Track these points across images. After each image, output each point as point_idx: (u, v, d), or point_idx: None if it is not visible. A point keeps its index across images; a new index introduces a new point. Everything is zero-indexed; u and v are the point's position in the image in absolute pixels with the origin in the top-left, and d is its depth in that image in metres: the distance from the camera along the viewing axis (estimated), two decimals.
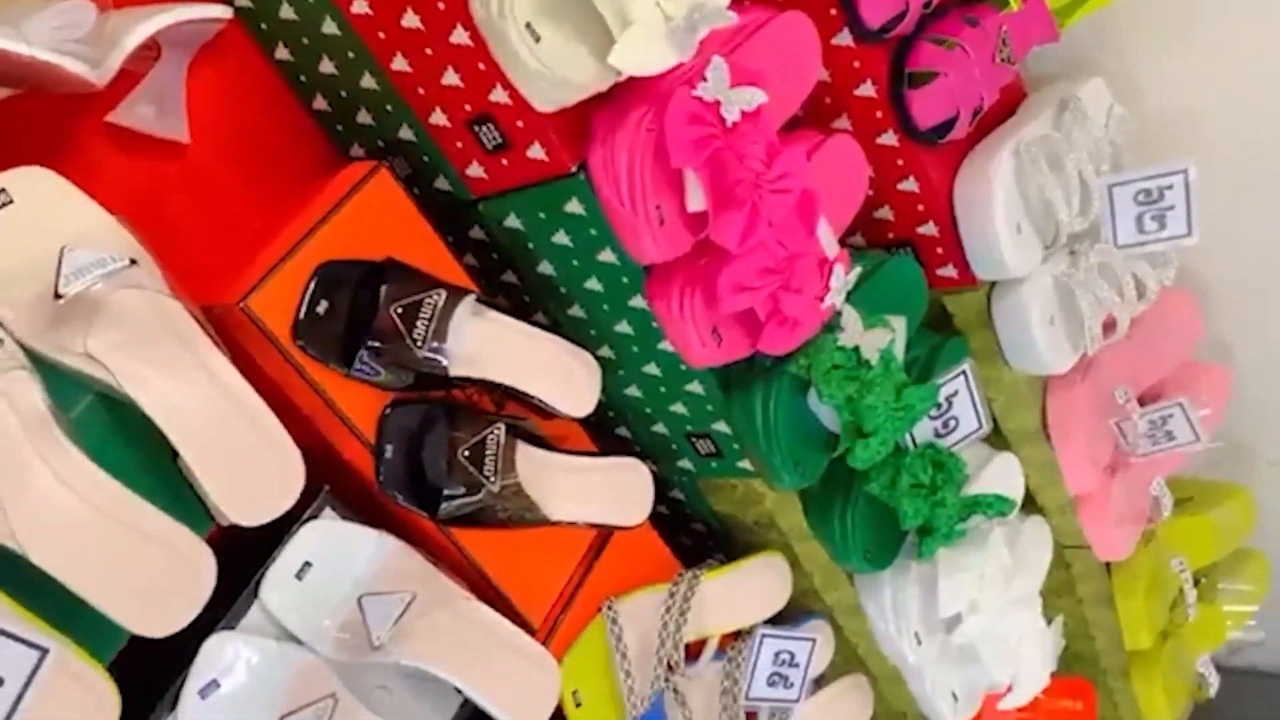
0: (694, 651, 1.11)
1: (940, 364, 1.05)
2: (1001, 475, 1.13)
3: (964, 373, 1.05)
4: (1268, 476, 1.46)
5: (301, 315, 0.82)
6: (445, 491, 0.89)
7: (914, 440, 1.03)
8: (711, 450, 1.08)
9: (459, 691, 0.93)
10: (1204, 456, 1.31)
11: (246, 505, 0.74)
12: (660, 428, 1.10)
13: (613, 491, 1.02)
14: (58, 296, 0.66)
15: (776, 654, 1.12)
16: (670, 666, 1.07)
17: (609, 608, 1.05)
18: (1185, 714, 1.48)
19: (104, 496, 0.69)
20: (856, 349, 0.93)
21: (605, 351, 1.02)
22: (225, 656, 0.78)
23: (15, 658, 0.63)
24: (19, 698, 0.63)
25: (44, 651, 0.64)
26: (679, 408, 1.06)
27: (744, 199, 0.80)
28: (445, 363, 0.86)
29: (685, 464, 1.13)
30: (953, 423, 1.05)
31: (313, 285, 0.83)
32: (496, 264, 1.04)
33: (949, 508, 1.01)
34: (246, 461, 0.74)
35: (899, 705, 1.26)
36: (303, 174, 0.97)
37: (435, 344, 0.85)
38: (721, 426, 1.04)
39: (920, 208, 1.05)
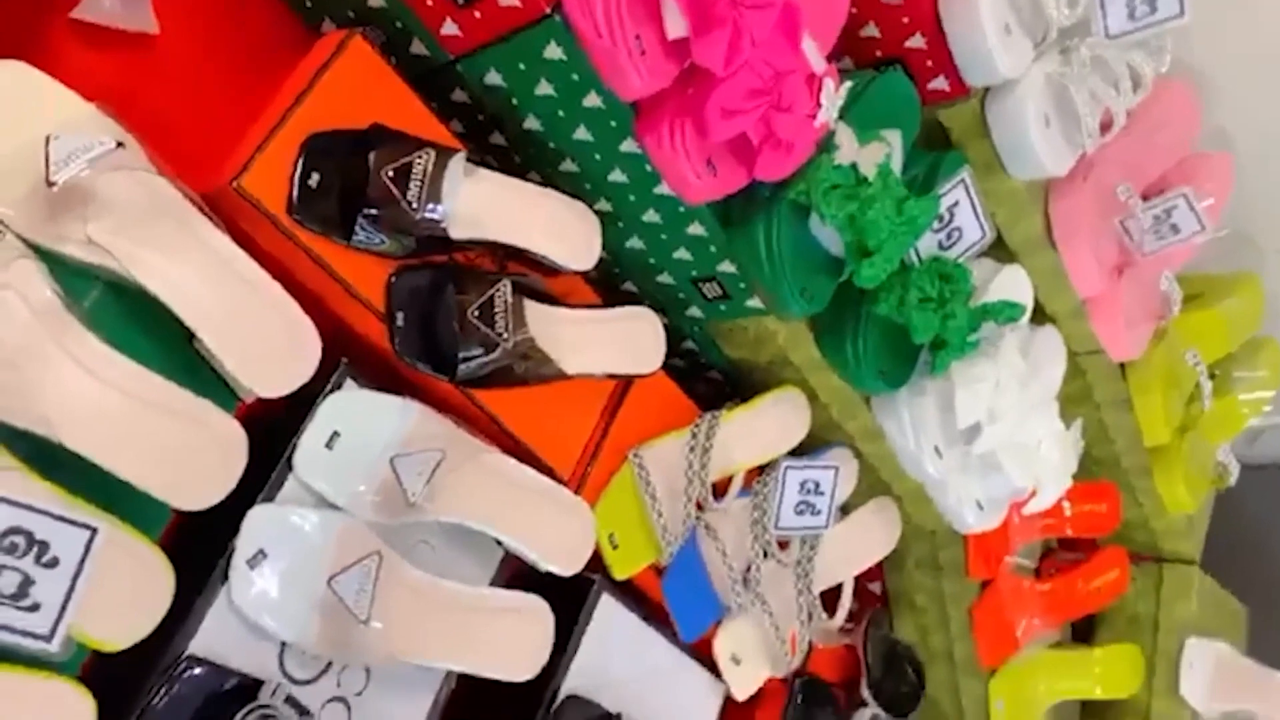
0: (721, 490, 1.14)
1: (939, 178, 1.04)
2: (1009, 286, 1.13)
3: (963, 181, 1.04)
4: (1277, 264, 1.45)
5: (294, 190, 0.82)
6: (461, 354, 0.90)
7: (919, 255, 1.03)
8: (719, 293, 1.09)
9: (499, 543, 0.97)
10: (1212, 250, 1.31)
11: (267, 376, 0.76)
12: (666, 277, 1.10)
13: (625, 341, 1.03)
14: (50, 185, 0.66)
15: (801, 484, 1.14)
16: (699, 505, 1.10)
17: (634, 455, 1.07)
18: (1208, 506, 1.52)
19: (129, 380, 0.70)
20: (854, 166, 0.92)
21: (602, 205, 1.02)
22: (268, 527, 0.80)
23: (67, 538, 0.65)
24: (76, 574, 0.65)
25: (93, 530, 0.66)
26: (682, 253, 1.06)
27: (724, 18, 0.78)
28: (444, 224, 0.86)
29: (694, 311, 1.14)
30: (956, 234, 1.05)
31: (302, 159, 0.82)
32: (483, 126, 1.03)
33: (959, 319, 1.01)
34: (260, 333, 0.75)
35: (926, 523, 1.29)
36: (276, 56, 0.95)
37: (431, 205, 0.85)
38: (727, 267, 1.05)
39: (906, 20, 1.03)
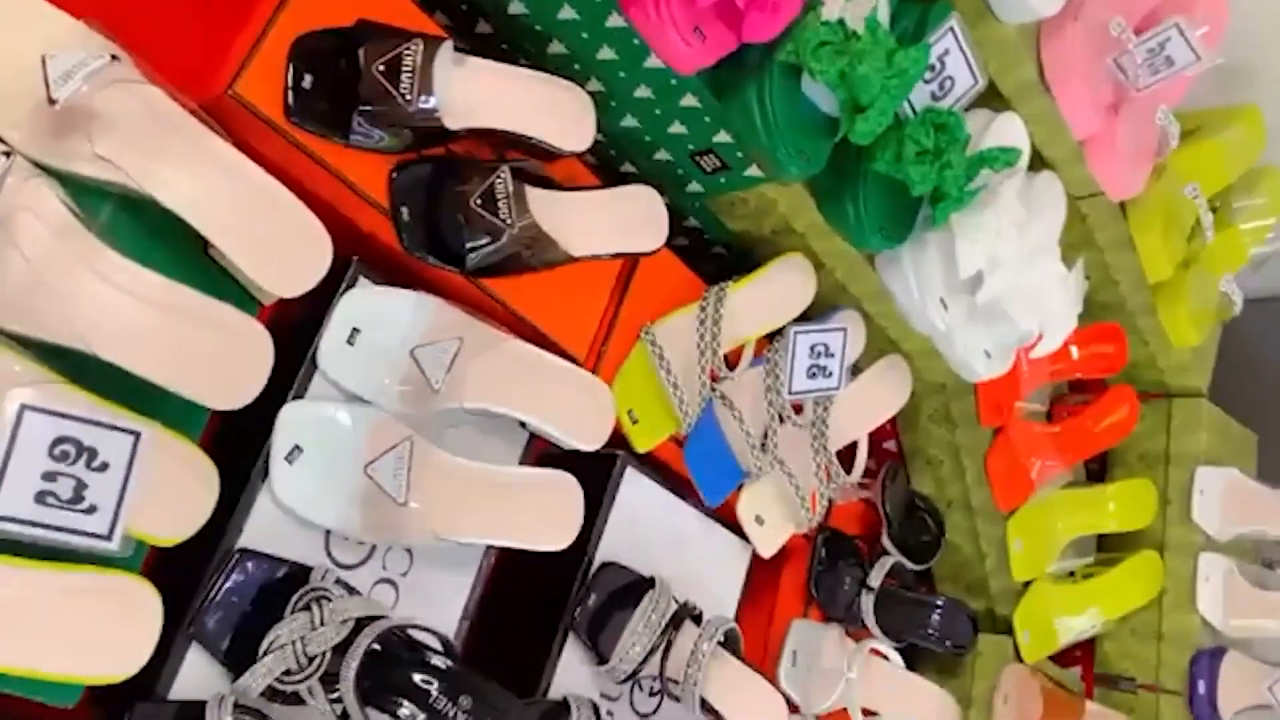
0: (733, 360, 1.17)
1: (928, 28, 1.04)
2: (1005, 134, 1.13)
3: (951, 29, 1.03)
4: (1274, 93, 1.44)
5: (289, 93, 0.83)
6: (467, 243, 0.92)
7: (913, 108, 1.03)
8: (717, 165, 1.09)
9: (523, 426, 1.00)
10: (1208, 83, 1.30)
11: (284, 277, 0.78)
12: (663, 154, 1.11)
13: (627, 219, 1.04)
14: (52, 103, 0.67)
15: (812, 348, 1.17)
16: (714, 376, 1.13)
17: (646, 332, 1.10)
18: (1214, 338, 1.54)
19: (153, 290, 0.72)
20: (841, 21, 0.92)
21: (594, 85, 1.02)
22: (301, 422, 0.84)
23: (113, 444, 0.68)
24: (126, 477, 0.68)
25: (137, 435, 0.69)
26: (677, 127, 1.06)
27: None
28: (438, 114, 0.86)
29: (695, 187, 1.15)
30: (948, 83, 1.05)
31: (293, 62, 0.83)
32: (468, 16, 1.03)
33: (956, 169, 1.02)
34: (272, 236, 0.77)
35: (936, 377, 1.32)
36: None
37: (424, 96, 0.85)
38: (723, 137, 1.05)
39: None
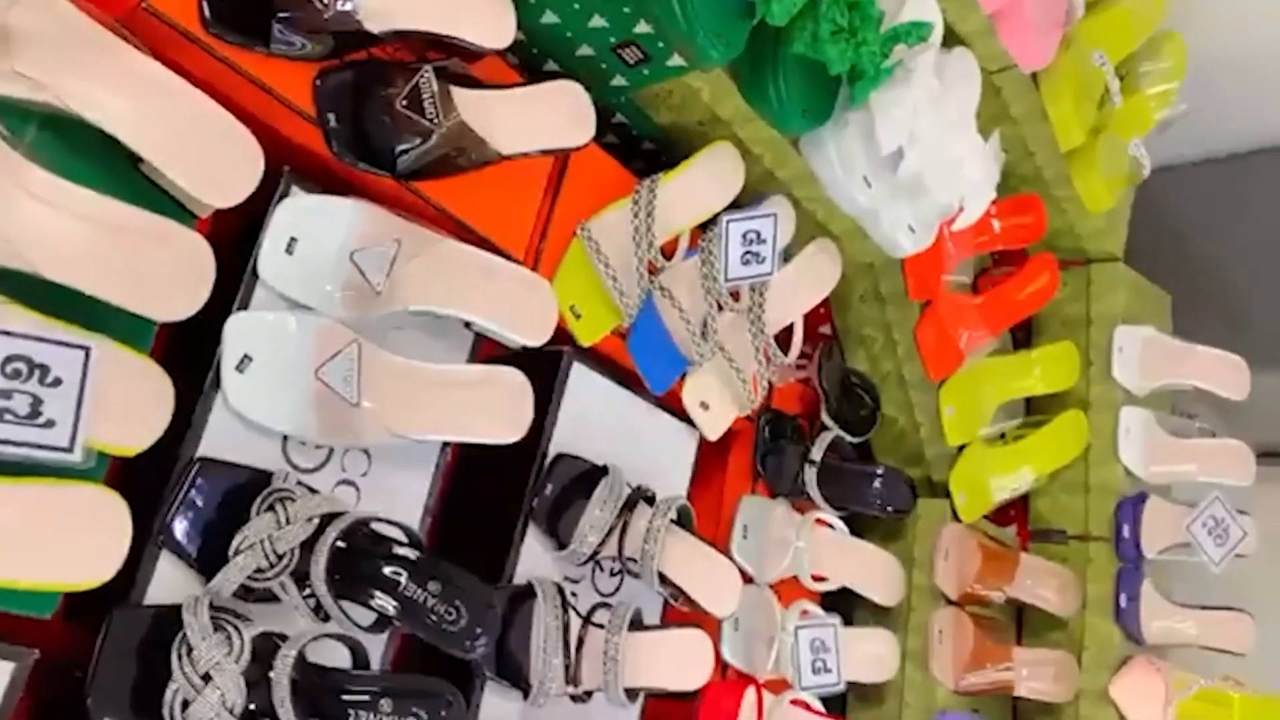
0: (669, 251, 1.19)
1: None
2: (917, 9, 1.15)
3: None
4: None
5: (204, 4, 0.82)
6: (396, 146, 0.93)
7: None
8: (639, 57, 1.11)
9: (468, 327, 1.03)
10: None
11: (217, 187, 0.79)
12: (585, 49, 1.12)
13: (553, 115, 1.05)
14: None
15: (744, 235, 1.20)
16: (651, 268, 1.16)
17: (582, 228, 1.12)
18: (1126, 203, 1.60)
19: (88, 207, 0.73)
20: None
21: None
22: (248, 332, 0.85)
23: (64, 359, 0.69)
24: (80, 390, 0.70)
25: (86, 349, 0.70)
26: (597, 20, 1.07)
27: None
28: (358, 17, 0.87)
29: (619, 81, 1.16)
30: None
31: None
32: None
33: (871, 45, 1.05)
34: (202, 147, 0.78)
35: (865, 257, 1.36)
36: None
37: (342, 0, 0.85)
38: (643, 27, 1.06)
39: None
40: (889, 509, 1.40)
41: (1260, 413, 1.75)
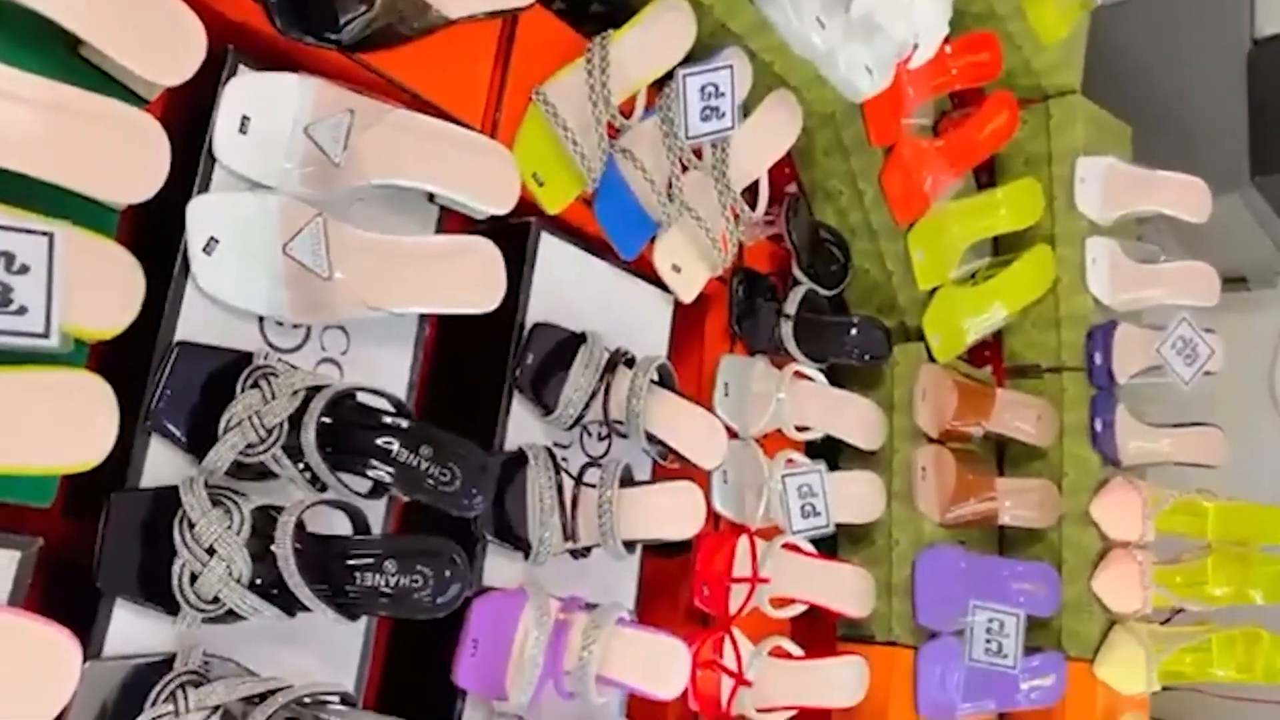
0: (627, 113, 1.18)
1: None
2: None
3: None
4: None
5: None
6: (341, 17, 0.91)
7: None
8: None
9: (431, 200, 1.02)
10: None
11: (162, 65, 0.77)
12: None
13: None
14: None
15: (701, 89, 1.18)
16: (611, 130, 1.15)
17: (537, 93, 1.11)
18: (1081, 36, 1.59)
19: (34, 91, 0.71)
20: None
21: None
22: (211, 215, 0.85)
23: (28, 246, 0.69)
24: (49, 275, 0.69)
25: (49, 235, 0.70)
26: None
27: None
28: None
29: None
30: None
31: None
32: None
33: None
34: (143, 26, 0.76)
35: (825, 108, 1.36)
36: None
37: None
38: None
39: None
40: (866, 357, 1.42)
41: (1219, 240, 1.78)
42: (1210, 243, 1.77)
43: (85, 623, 0.77)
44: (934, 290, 1.47)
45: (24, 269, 0.69)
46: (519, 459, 1.07)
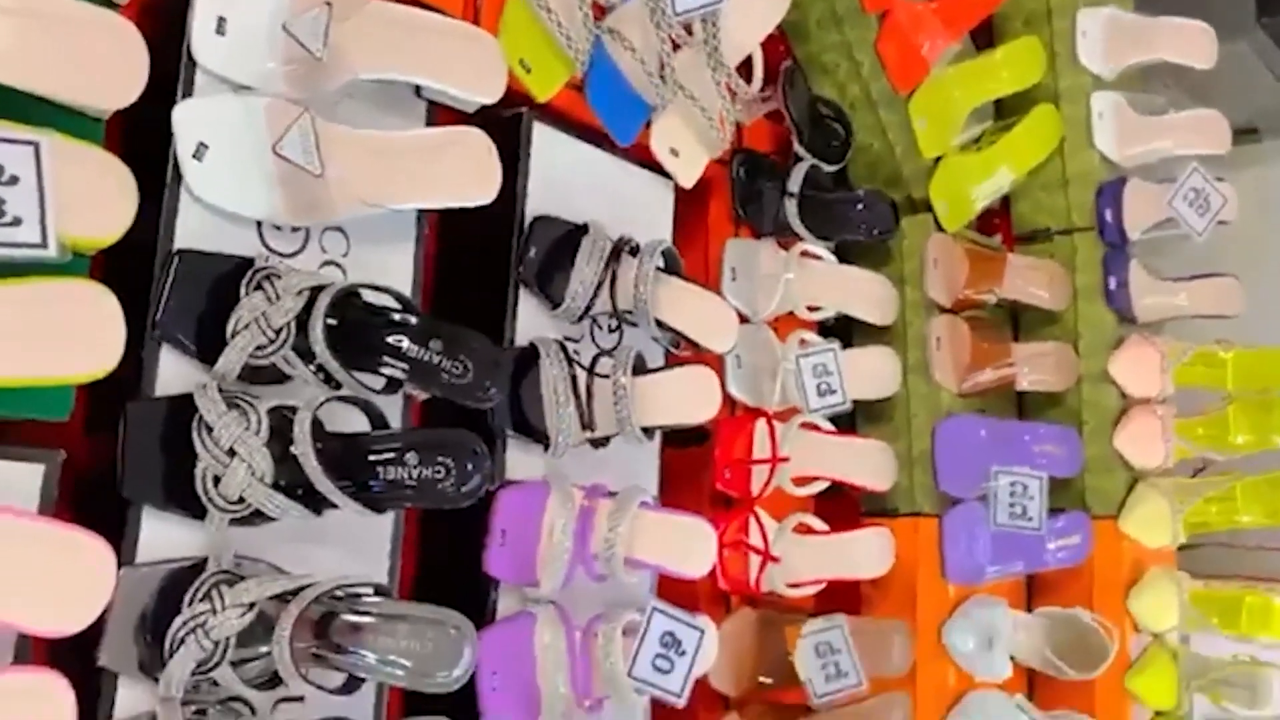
0: None
1: None
2: None
3: None
4: None
5: None
6: None
7: None
8: None
9: (418, 93, 1.00)
10: None
11: None
12: None
13: None
14: None
15: None
16: (598, 10, 1.12)
17: None
18: None
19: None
20: None
21: None
22: (197, 120, 0.83)
23: (15, 156, 0.68)
24: (40, 184, 0.69)
25: (36, 144, 0.69)
26: None
27: None
28: None
29: None
30: None
31: None
32: None
33: None
34: None
35: None
36: None
37: None
38: None
39: None
40: (874, 232, 1.40)
41: (1227, 89, 1.74)
42: (1218, 93, 1.73)
43: (116, 535, 0.78)
44: (938, 159, 1.45)
45: (13, 180, 0.68)
46: (531, 353, 1.07)
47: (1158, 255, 1.57)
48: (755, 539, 1.25)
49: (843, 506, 1.41)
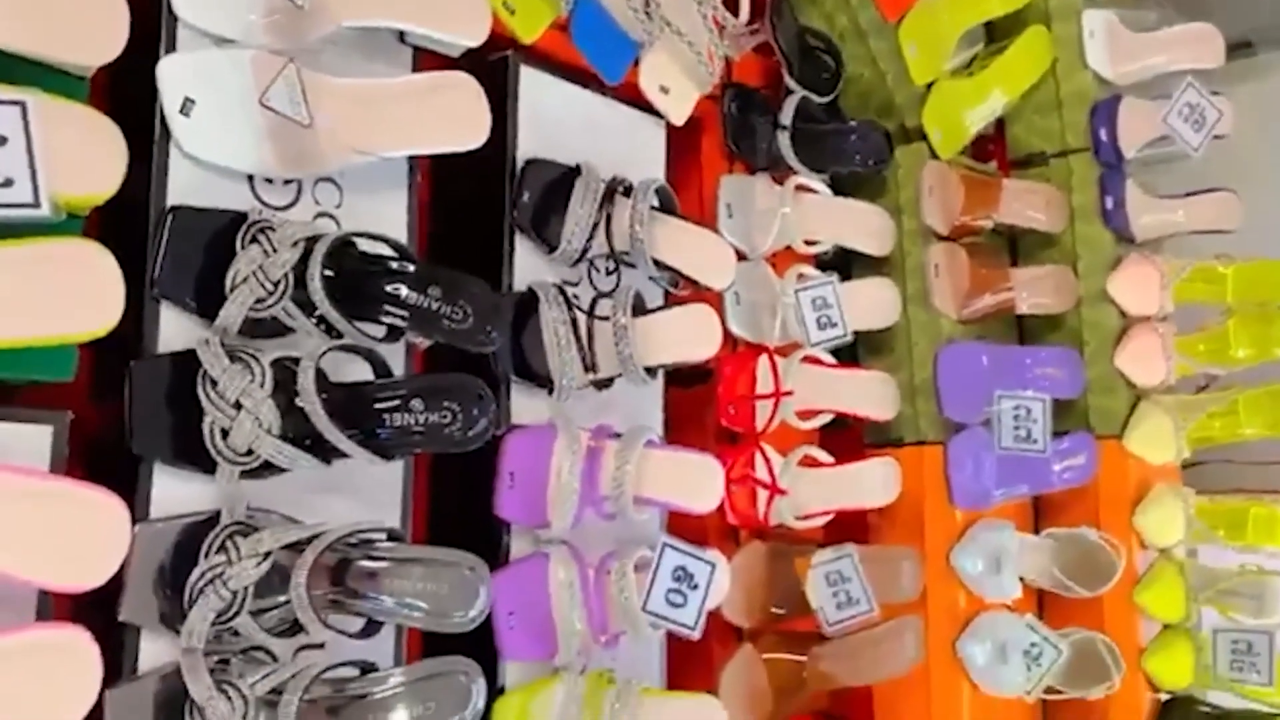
0: None
1: None
2: None
3: None
4: None
5: None
6: None
7: None
8: None
9: (402, 39, 1.00)
10: None
11: None
12: None
13: None
14: None
15: None
16: None
17: None
18: None
19: None
20: None
21: None
22: (182, 75, 0.83)
23: (3, 117, 0.68)
24: (28, 144, 0.69)
25: (22, 104, 0.69)
26: None
27: None
28: None
29: None
30: None
31: None
32: None
33: None
34: None
35: None
36: None
37: None
38: None
39: None
40: (869, 162, 1.40)
41: (1220, 1, 1.71)
42: (1212, 7, 1.71)
43: (129, 493, 0.79)
44: (930, 85, 1.43)
45: (2, 140, 0.68)
46: (530, 298, 1.07)
47: (1152, 174, 1.56)
48: (762, 473, 1.26)
49: (845, 442, 1.42)
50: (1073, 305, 1.50)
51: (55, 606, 0.73)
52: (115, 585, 0.74)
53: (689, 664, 1.20)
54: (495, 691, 0.99)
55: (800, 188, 1.35)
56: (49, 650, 0.68)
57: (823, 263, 1.42)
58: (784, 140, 1.33)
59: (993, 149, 1.62)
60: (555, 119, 1.14)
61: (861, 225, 1.40)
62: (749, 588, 1.25)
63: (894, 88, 1.44)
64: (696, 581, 1.02)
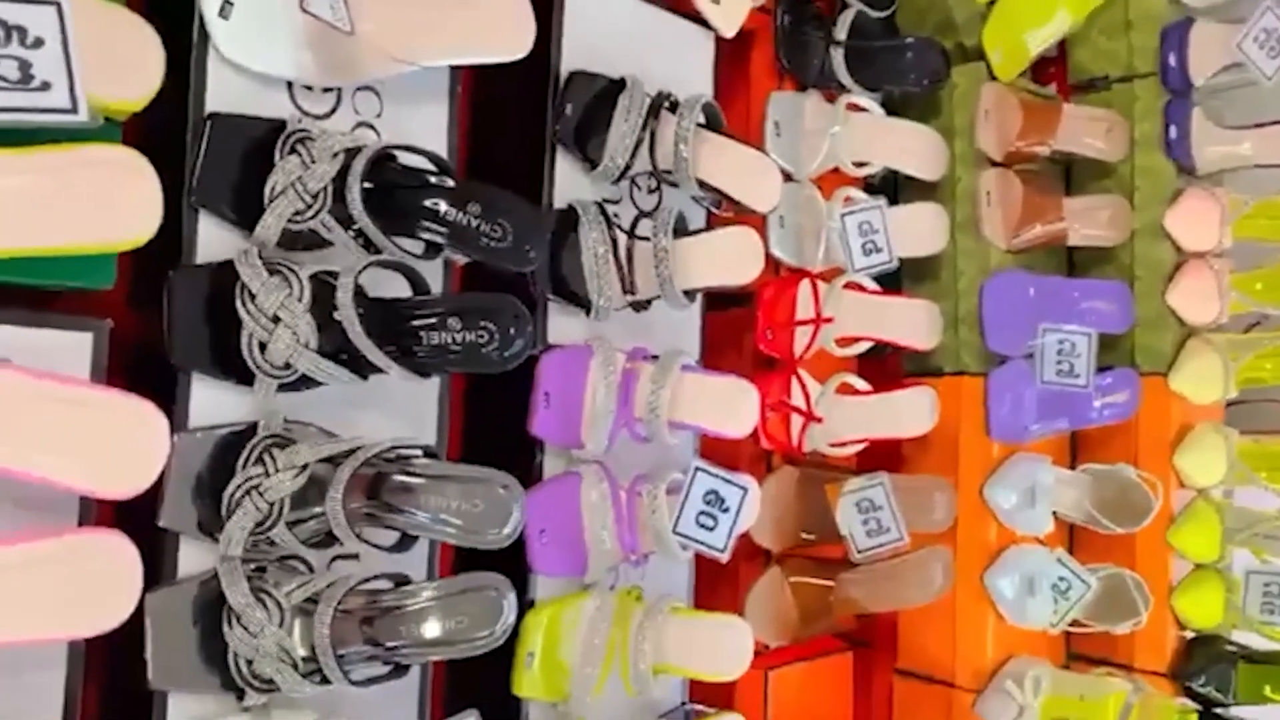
0: None
1: None
2: None
3: None
4: None
5: None
6: None
7: None
8: None
9: None
10: None
11: None
12: None
13: None
14: None
15: None
16: None
17: None
18: None
19: None
20: None
21: None
22: None
23: (38, 18, 0.67)
24: (65, 48, 0.67)
25: (57, 4, 0.67)
26: None
27: None
28: None
29: None
30: None
31: None
32: None
33: None
34: None
35: None
36: None
37: None
38: None
39: None
40: (924, 81, 1.35)
41: None
42: None
43: (167, 403, 0.79)
44: (992, 3, 1.37)
45: (38, 42, 0.67)
46: (570, 216, 1.05)
47: (1226, 104, 1.49)
48: (798, 400, 1.25)
49: (885, 371, 1.40)
50: (1126, 238, 1.46)
51: (97, 513, 0.74)
52: (155, 493, 0.75)
53: (717, 584, 1.21)
54: (525, 604, 1.01)
55: (852, 106, 1.31)
56: (90, 554, 0.69)
57: (870, 186, 1.38)
58: (837, 57, 1.29)
59: (1053, 72, 1.56)
60: (601, 28, 1.11)
61: (914, 148, 1.36)
62: (780, 513, 1.26)
63: (953, 4, 1.38)
64: (727, 505, 1.02)
